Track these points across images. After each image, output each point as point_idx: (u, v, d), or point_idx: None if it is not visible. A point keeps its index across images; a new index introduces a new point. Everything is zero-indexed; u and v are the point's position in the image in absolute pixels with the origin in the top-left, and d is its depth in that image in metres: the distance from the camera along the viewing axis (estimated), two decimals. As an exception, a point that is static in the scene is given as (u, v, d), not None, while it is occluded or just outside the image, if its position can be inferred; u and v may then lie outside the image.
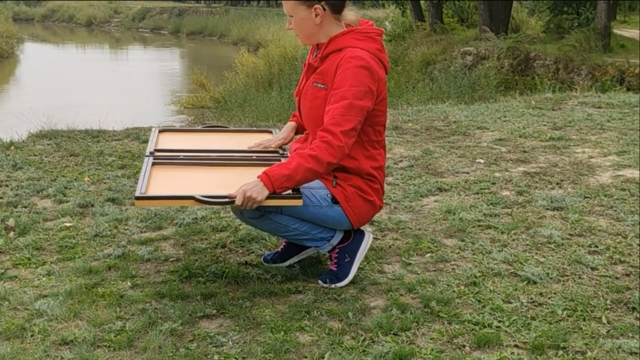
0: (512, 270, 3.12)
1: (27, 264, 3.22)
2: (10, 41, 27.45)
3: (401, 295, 2.89)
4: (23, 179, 4.41)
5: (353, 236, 3.02)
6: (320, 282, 2.98)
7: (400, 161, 4.87)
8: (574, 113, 6.51)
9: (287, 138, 3.23)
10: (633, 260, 3.22)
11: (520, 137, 5.58)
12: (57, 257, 3.29)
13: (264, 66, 17.71)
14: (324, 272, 3.05)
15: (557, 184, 4.36)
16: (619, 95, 7.98)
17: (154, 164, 3.00)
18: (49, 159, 4.92)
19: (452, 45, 16.38)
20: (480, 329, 2.61)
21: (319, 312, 2.73)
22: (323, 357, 2.43)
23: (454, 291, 2.92)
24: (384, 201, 3.50)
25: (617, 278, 3.05)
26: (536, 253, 3.31)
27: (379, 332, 2.59)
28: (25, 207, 3.94)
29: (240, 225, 3.65)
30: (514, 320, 2.68)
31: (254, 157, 3.12)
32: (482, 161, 4.88)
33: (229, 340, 2.54)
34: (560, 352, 2.47)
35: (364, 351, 2.47)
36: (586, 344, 2.52)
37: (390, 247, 3.40)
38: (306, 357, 2.45)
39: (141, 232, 3.62)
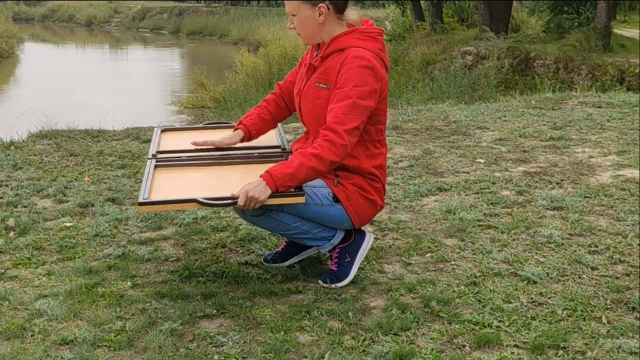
0: (512, 270, 3.12)
1: (27, 263, 3.22)
2: (10, 41, 27.46)
3: (401, 295, 2.89)
4: (23, 179, 4.41)
5: (354, 236, 3.02)
6: (320, 282, 2.98)
7: (401, 161, 4.87)
8: (574, 113, 6.51)
9: (230, 142, 3.16)
10: (633, 260, 3.22)
11: (520, 136, 5.58)
12: (57, 257, 3.29)
13: (264, 66, 17.72)
14: (324, 272, 3.05)
15: (557, 183, 4.36)
16: (619, 95, 7.98)
17: (156, 166, 3.01)
18: (49, 158, 4.92)
19: (452, 45, 16.37)
20: (480, 329, 2.61)
21: (319, 312, 2.73)
22: (323, 357, 2.43)
23: (454, 291, 2.92)
24: (384, 201, 3.50)
25: (617, 278, 3.05)
26: (536, 253, 3.31)
27: (379, 332, 2.59)
28: (25, 207, 3.94)
29: (240, 225, 3.65)
30: (514, 320, 2.68)
31: (256, 155, 3.12)
32: (482, 161, 4.88)
33: (229, 340, 2.54)
34: (560, 352, 2.47)
35: (364, 351, 2.47)
36: (586, 344, 2.52)
37: (390, 247, 3.40)
38: (306, 357, 2.45)
39: (141, 232, 3.62)
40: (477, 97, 10.58)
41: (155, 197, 2.74)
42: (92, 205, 3.96)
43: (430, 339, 2.56)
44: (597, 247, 3.37)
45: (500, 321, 2.67)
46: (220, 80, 16.49)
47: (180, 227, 3.65)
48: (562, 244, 3.40)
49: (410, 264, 3.20)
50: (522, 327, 2.63)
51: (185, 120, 13.14)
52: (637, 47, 14.18)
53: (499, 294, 2.89)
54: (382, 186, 3.01)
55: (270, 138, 3.32)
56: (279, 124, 3.40)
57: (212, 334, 2.58)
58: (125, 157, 4.95)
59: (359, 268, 3.04)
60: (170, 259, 3.27)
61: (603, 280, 3.02)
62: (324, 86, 2.87)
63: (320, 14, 2.86)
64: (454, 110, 6.78)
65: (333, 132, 2.74)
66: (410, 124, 6.07)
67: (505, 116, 6.39)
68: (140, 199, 2.70)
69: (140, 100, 15.86)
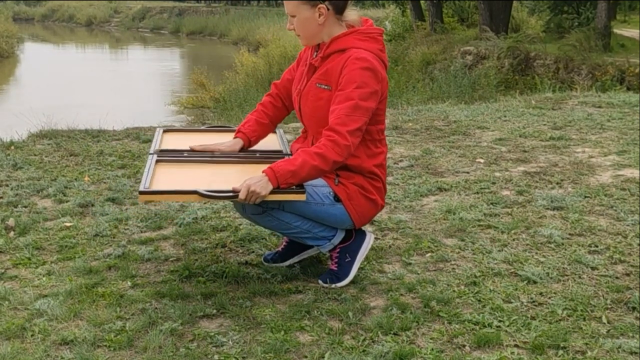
0: (512, 270, 3.12)
1: (27, 263, 3.22)
2: (10, 41, 27.45)
3: (401, 295, 2.89)
4: (23, 179, 4.41)
5: (354, 236, 3.02)
6: (320, 281, 2.98)
7: (401, 161, 4.87)
8: (574, 113, 6.51)
9: (229, 150, 3.12)
10: (633, 259, 3.22)
11: (520, 136, 5.58)
12: (57, 257, 3.29)
13: (264, 66, 17.71)
14: (324, 271, 3.06)
15: (557, 183, 4.36)
16: (619, 94, 7.98)
17: (157, 161, 3.01)
18: (49, 158, 4.92)
19: (452, 44, 16.37)
20: (480, 329, 2.61)
21: (319, 312, 2.73)
22: (323, 357, 2.43)
23: (454, 291, 2.92)
24: (385, 200, 3.50)
25: (617, 278, 3.05)
26: (536, 253, 3.31)
27: (379, 332, 2.59)
28: (26, 206, 3.94)
29: (240, 225, 3.65)
30: (514, 320, 2.68)
31: (257, 155, 3.12)
32: (482, 161, 4.88)
33: (229, 340, 2.54)
34: (561, 351, 2.47)
35: (364, 351, 2.47)
36: (586, 344, 2.52)
37: (390, 246, 3.40)
38: (306, 356, 2.45)
39: (141, 231, 3.62)
40: (477, 97, 10.59)
41: (156, 188, 2.75)
42: (92, 205, 3.96)
43: (430, 338, 2.56)
44: (597, 247, 3.37)
45: (500, 321, 2.67)
46: (220, 80, 16.48)
47: (180, 227, 3.65)
48: (562, 244, 3.40)
49: (410, 264, 3.20)
50: (522, 327, 2.63)
51: (185, 121, 13.14)
52: (637, 47, 14.18)
53: (499, 293, 2.90)
54: (383, 186, 3.01)
55: (271, 142, 3.32)
56: (280, 129, 3.40)
57: (212, 333, 2.58)
58: (126, 157, 4.95)
59: (359, 268, 3.04)
60: (170, 259, 3.27)
61: (603, 280, 3.02)
62: (325, 87, 2.88)
63: (320, 15, 2.86)
64: (454, 110, 6.78)
65: (336, 132, 2.74)
66: (410, 124, 6.07)
67: (505, 116, 6.39)
68: (141, 188, 2.70)
69: (140, 100, 15.86)
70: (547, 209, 3.89)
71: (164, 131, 3.51)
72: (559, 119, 6.21)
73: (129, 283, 3.00)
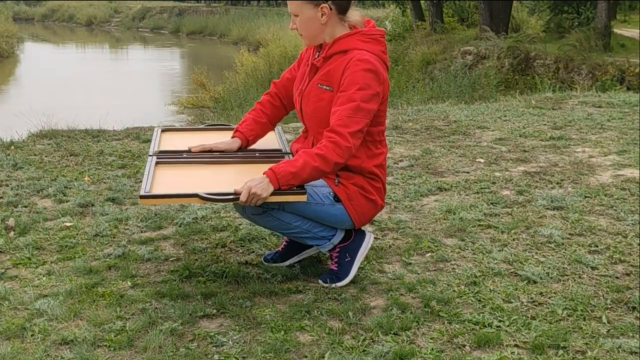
0: (512, 270, 3.12)
1: (27, 263, 3.22)
2: (10, 41, 27.45)
3: (401, 294, 2.89)
4: (23, 179, 4.41)
5: (354, 236, 3.02)
6: (320, 281, 2.98)
7: (401, 161, 4.87)
8: (574, 112, 6.51)
9: (228, 148, 3.13)
10: (633, 259, 3.22)
11: (520, 136, 5.58)
12: (57, 257, 3.29)
13: (264, 66, 17.70)
14: (324, 271, 3.06)
15: (557, 183, 4.36)
16: (619, 94, 7.98)
17: (157, 163, 3.01)
18: (49, 158, 4.92)
19: (452, 44, 16.37)
20: (480, 329, 2.61)
21: (319, 312, 2.73)
22: (323, 357, 2.43)
23: (454, 291, 2.92)
24: (385, 200, 3.50)
25: (617, 277, 3.05)
26: (536, 253, 3.31)
27: (379, 332, 2.59)
28: (26, 206, 3.94)
29: (240, 224, 3.65)
30: (514, 319, 2.68)
31: (257, 155, 3.12)
32: (482, 161, 4.88)
33: (229, 340, 2.54)
34: (561, 351, 2.47)
35: (364, 351, 2.47)
36: (586, 344, 2.52)
37: (390, 246, 3.40)
38: (306, 356, 2.45)
39: (141, 231, 3.62)
40: (477, 96, 10.59)
41: (156, 191, 2.75)
42: (92, 205, 3.96)
43: (431, 338, 2.56)
44: (597, 246, 3.37)
45: (500, 321, 2.67)
46: (220, 80, 16.48)
47: (180, 226, 3.65)
48: (562, 244, 3.40)
49: (410, 263, 3.20)
50: (522, 326, 2.63)
51: (185, 120, 13.13)
52: (637, 46, 14.18)
53: (499, 293, 2.89)
54: (383, 186, 3.01)
55: (270, 141, 3.32)
56: (279, 127, 3.39)
57: (212, 333, 2.58)
58: (126, 157, 4.95)
59: (359, 268, 3.04)
60: (170, 259, 3.27)
61: (603, 280, 3.02)
62: (327, 88, 2.88)
63: (322, 15, 2.86)
64: (454, 110, 6.78)
65: (338, 134, 2.75)
66: (410, 124, 6.06)
67: (505, 116, 6.39)
68: (142, 192, 2.71)
69: (140, 100, 15.86)
70: (547, 208, 3.89)
71: (162, 131, 3.51)
72: (559, 119, 6.21)
73: (129, 283, 3.00)
